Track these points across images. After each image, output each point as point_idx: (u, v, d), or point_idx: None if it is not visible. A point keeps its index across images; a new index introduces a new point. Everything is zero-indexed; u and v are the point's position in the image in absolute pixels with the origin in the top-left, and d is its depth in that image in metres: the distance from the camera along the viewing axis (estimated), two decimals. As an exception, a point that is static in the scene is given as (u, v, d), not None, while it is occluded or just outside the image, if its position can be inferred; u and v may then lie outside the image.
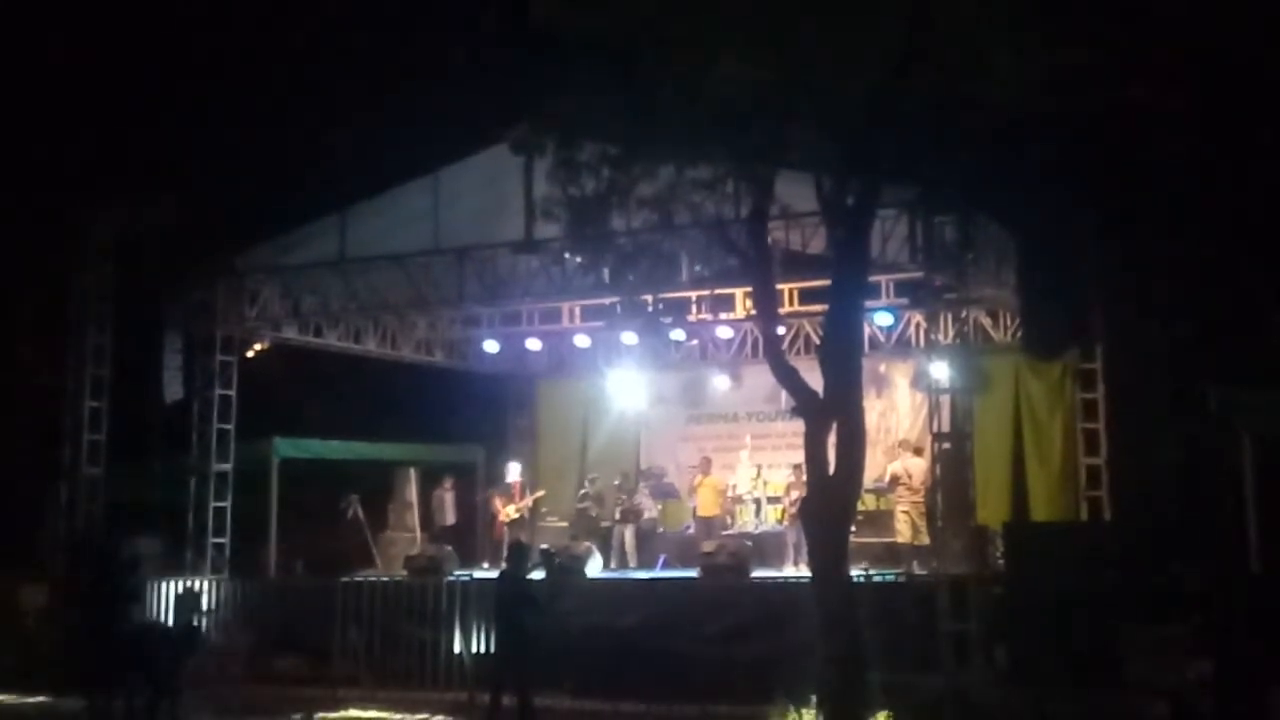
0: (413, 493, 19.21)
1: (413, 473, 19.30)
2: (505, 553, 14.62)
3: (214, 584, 16.58)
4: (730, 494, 17.69)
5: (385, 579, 16.23)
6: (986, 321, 16.94)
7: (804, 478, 12.82)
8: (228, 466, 17.32)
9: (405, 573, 16.25)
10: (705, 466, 17.66)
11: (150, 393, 17.08)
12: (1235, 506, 13.28)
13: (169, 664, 11.94)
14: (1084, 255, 14.35)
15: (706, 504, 17.33)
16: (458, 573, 15.94)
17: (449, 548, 17.07)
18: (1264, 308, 14.00)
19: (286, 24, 19.10)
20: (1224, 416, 13.31)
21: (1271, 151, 13.00)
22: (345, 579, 15.83)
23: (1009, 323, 16.77)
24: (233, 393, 17.36)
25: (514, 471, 18.64)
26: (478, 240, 15.76)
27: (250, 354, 17.75)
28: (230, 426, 17.35)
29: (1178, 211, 13.23)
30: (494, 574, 13.81)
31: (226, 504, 17.26)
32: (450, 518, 18.89)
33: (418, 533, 18.89)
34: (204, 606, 15.88)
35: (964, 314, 15.32)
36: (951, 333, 15.26)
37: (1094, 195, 13.41)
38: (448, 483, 19.06)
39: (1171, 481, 13.56)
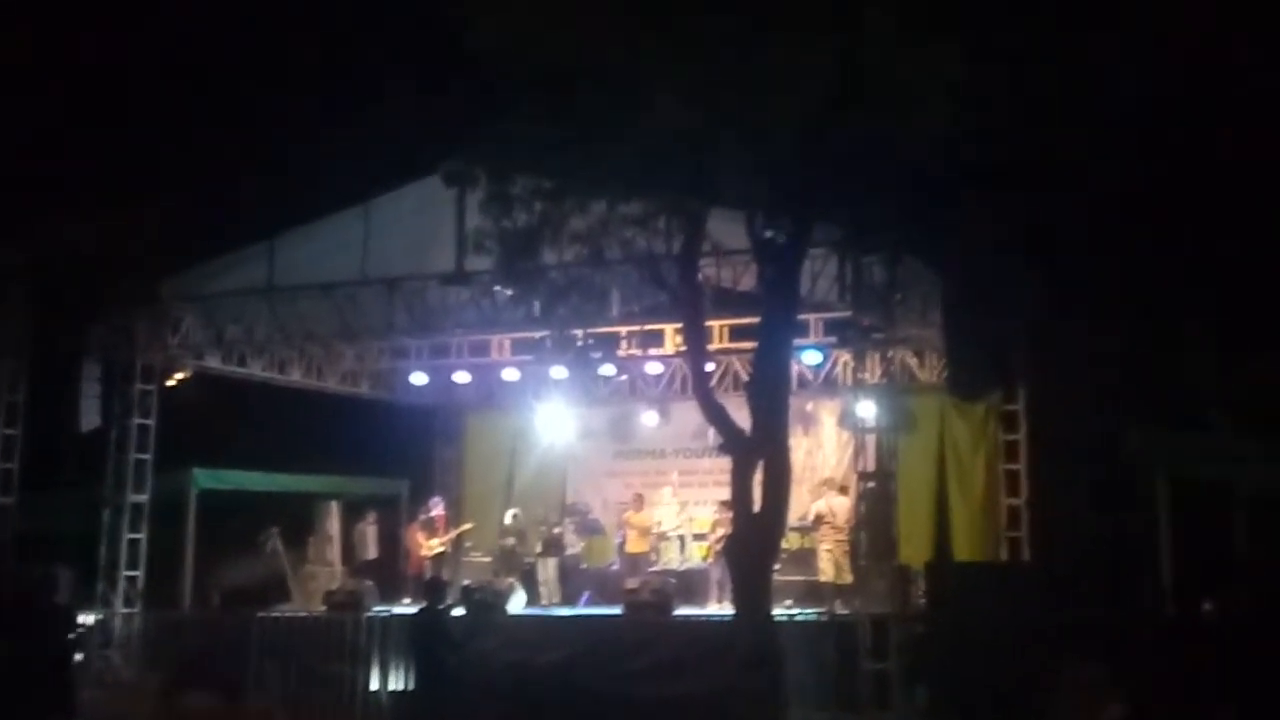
0: (334, 526, 18.90)
1: (335, 506, 18.99)
2: (425, 588, 14.46)
3: (125, 618, 16.16)
4: (655, 530, 17.64)
5: (303, 614, 15.94)
6: (913, 361, 17.10)
7: (730, 515, 12.84)
8: (144, 497, 16.95)
9: (324, 608, 15.97)
10: (637, 503, 17.60)
11: (66, 420, 16.69)
12: (1150, 548, 13.48)
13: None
14: (1008, 298, 14.56)
15: (635, 541, 17.26)
16: (378, 608, 15.69)
17: (370, 582, 16.79)
18: (1185, 351, 14.29)
19: (219, 50, 18.91)
20: (1141, 459, 13.54)
21: (1196, 199, 13.32)
22: (262, 613, 15.51)
23: (935, 363, 16.95)
24: (152, 422, 17.01)
25: (437, 505, 18.43)
26: (408, 271, 15.62)
27: (171, 383, 17.41)
28: (148, 456, 16.99)
29: (1102, 256, 13.49)
30: (415, 610, 13.62)
31: (141, 536, 16.86)
32: (372, 552, 18.60)
33: (338, 566, 18.58)
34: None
35: (891, 354, 15.44)
36: (878, 372, 15.39)
37: (1019, 239, 13.63)
38: (370, 516, 18.77)
39: (1089, 522, 13.74)
